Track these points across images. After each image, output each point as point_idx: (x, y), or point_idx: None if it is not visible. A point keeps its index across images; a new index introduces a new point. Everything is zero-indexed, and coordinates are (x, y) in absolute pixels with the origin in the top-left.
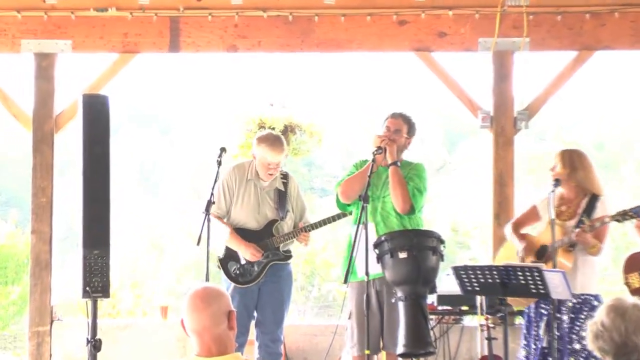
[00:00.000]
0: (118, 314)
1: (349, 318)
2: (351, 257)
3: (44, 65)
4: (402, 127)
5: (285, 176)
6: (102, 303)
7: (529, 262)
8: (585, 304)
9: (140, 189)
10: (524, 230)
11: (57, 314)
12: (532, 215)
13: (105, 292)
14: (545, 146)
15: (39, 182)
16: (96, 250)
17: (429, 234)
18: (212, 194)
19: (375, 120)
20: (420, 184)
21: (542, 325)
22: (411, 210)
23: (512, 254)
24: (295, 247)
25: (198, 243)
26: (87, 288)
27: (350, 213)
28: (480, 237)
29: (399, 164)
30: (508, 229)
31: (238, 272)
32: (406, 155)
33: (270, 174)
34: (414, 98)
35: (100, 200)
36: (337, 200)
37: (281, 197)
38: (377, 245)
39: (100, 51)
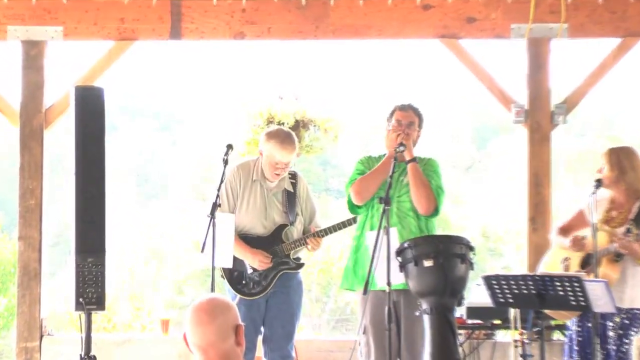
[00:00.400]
0: (114, 328)
1: (363, 333)
2: (371, 265)
3: (33, 54)
4: (414, 119)
5: (293, 176)
6: (96, 316)
7: (572, 271)
8: (634, 320)
9: (138, 190)
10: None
11: (47, 328)
12: (579, 220)
13: (100, 304)
14: (585, 143)
15: (27, 183)
16: (90, 257)
17: (457, 240)
18: (217, 195)
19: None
20: (439, 181)
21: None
22: (435, 211)
23: (558, 263)
24: (304, 254)
25: (202, 250)
26: (81, 299)
27: (355, 220)
28: (513, 243)
29: (418, 159)
30: (554, 236)
31: (244, 282)
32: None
33: (277, 174)
34: (439, 91)
35: (95, 203)
36: (349, 202)
37: (290, 200)
38: (399, 252)
39: (94, 39)
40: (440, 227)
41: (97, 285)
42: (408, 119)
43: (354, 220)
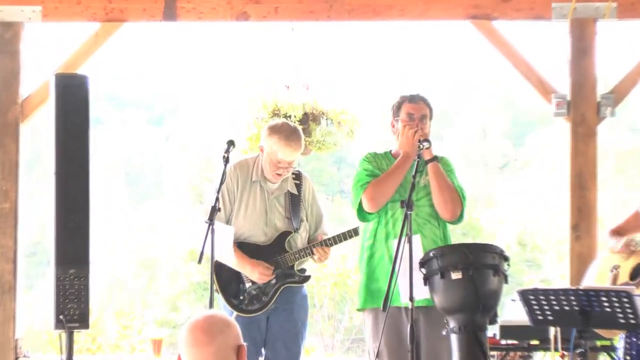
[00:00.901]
0: (99, 348)
1: (376, 357)
2: (391, 277)
3: (7, 37)
4: (426, 111)
5: (297, 176)
6: (79, 335)
7: (621, 282)
8: None
9: (128, 191)
10: None
11: (22, 350)
12: (635, 223)
13: (83, 321)
14: (636, 138)
15: (0, 184)
16: (72, 269)
17: (489, 249)
18: (217, 198)
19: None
20: (457, 181)
21: None
22: (461, 216)
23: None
24: (310, 265)
25: (200, 260)
26: (61, 317)
27: (357, 233)
28: (554, 253)
29: (438, 158)
30: (606, 239)
31: (241, 297)
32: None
33: (279, 174)
34: (469, 80)
35: (78, 207)
36: (359, 209)
37: (294, 203)
38: (423, 263)
39: (78, 20)
40: (471, 234)
41: (80, 301)
42: (420, 112)
43: (358, 230)
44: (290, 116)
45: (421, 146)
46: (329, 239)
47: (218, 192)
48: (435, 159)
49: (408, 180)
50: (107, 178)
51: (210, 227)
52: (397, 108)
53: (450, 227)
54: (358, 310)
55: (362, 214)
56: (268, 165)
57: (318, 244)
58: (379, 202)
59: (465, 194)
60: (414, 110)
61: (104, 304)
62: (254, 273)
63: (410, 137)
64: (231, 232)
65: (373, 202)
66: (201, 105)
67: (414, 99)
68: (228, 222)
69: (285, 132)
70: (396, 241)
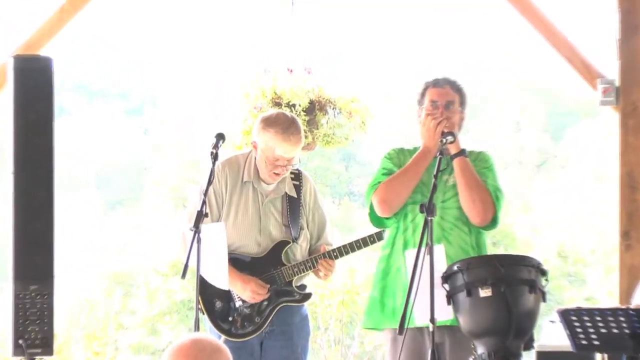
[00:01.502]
0: None
1: None
2: (409, 293)
3: None
4: (453, 97)
5: (297, 176)
6: None
7: None
8: None
9: (99, 195)
10: None
11: None
12: None
13: (46, 346)
14: None
15: None
16: (34, 285)
17: (524, 262)
18: (204, 201)
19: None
20: (497, 182)
21: None
22: (492, 221)
23: None
24: (311, 280)
25: (183, 275)
26: (21, 341)
27: (381, 236)
28: (601, 266)
29: (466, 152)
30: None
31: (230, 318)
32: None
33: (277, 174)
34: (500, 64)
35: (40, 214)
36: (372, 213)
37: (292, 208)
38: (447, 277)
39: None
40: (502, 243)
41: (43, 322)
42: (445, 98)
43: (381, 235)
44: (294, 105)
45: (443, 140)
46: (334, 250)
47: (205, 194)
48: (461, 153)
49: (431, 175)
50: (75, 179)
51: (196, 235)
52: (422, 95)
53: (487, 234)
54: (365, 328)
55: (375, 218)
56: (264, 164)
57: (320, 256)
58: (392, 205)
59: (501, 194)
60: (438, 97)
61: (71, 326)
62: (245, 291)
63: (432, 128)
64: (221, 229)
65: (384, 205)
66: (186, 93)
67: (438, 83)
68: None
69: (282, 125)
70: (414, 251)
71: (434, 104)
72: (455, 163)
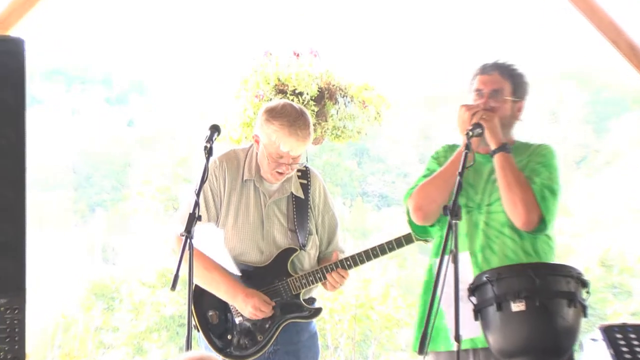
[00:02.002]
0: None
1: None
2: (430, 310)
3: None
4: (502, 84)
5: (304, 174)
6: None
7: None
8: None
9: (77, 196)
10: None
11: None
12: None
13: None
14: None
15: None
16: (3, 298)
17: (562, 271)
18: (196, 203)
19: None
20: (552, 178)
21: None
22: (540, 224)
23: None
24: (320, 292)
25: (173, 286)
26: None
27: (426, 240)
28: None
29: (509, 147)
30: None
31: (229, 336)
32: (519, 133)
33: (280, 173)
34: (535, 49)
35: (10, 217)
36: (410, 221)
37: (299, 210)
38: (474, 289)
39: None
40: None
41: (14, 340)
42: (491, 86)
43: (401, 241)
44: (301, 93)
45: (470, 133)
46: (347, 258)
47: (198, 194)
48: (502, 148)
49: (484, 178)
50: (50, 177)
51: (188, 241)
52: (471, 84)
53: (550, 239)
54: (413, 351)
55: (416, 227)
56: (266, 161)
57: (332, 266)
58: (427, 212)
59: (550, 193)
60: (483, 85)
61: (46, 344)
62: (246, 306)
63: (466, 120)
64: (219, 233)
65: (419, 212)
66: (177, 79)
67: (485, 69)
68: None
69: (289, 117)
70: (434, 262)
71: (479, 92)
72: (495, 160)
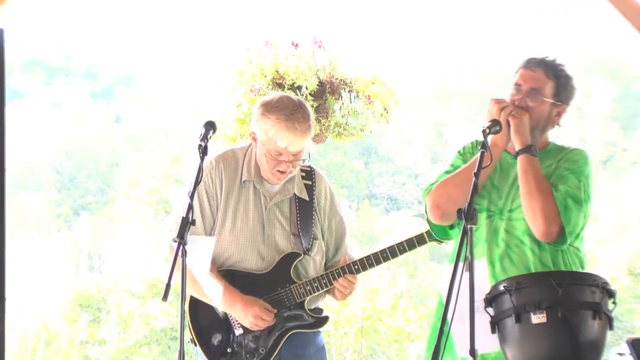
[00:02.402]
0: None
1: None
2: (443, 320)
3: None
4: (543, 83)
5: (309, 174)
6: None
7: None
8: None
9: (60, 198)
10: None
11: None
12: None
13: None
14: None
15: None
16: None
17: (587, 280)
18: (190, 206)
19: (496, 77)
20: (579, 187)
21: None
22: (560, 236)
23: None
24: (327, 301)
25: (165, 296)
26: None
27: (440, 241)
28: None
29: (535, 151)
30: None
31: (229, 350)
32: (556, 136)
33: (281, 172)
34: (556, 35)
35: None
36: (428, 220)
37: (303, 213)
38: (492, 299)
39: None
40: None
41: None
42: (531, 83)
43: (413, 243)
44: (299, 87)
45: (487, 130)
46: (354, 262)
47: (192, 197)
48: (527, 150)
49: (509, 181)
50: (31, 179)
51: (181, 247)
52: (514, 74)
53: (571, 252)
54: None
55: (436, 228)
56: (265, 160)
57: (339, 271)
58: (445, 211)
59: (574, 204)
60: (524, 80)
61: (27, 358)
62: (246, 316)
63: (495, 115)
64: (210, 246)
65: (437, 211)
66: (168, 72)
67: (529, 64)
68: None
69: (286, 110)
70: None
71: (517, 88)
72: (518, 162)
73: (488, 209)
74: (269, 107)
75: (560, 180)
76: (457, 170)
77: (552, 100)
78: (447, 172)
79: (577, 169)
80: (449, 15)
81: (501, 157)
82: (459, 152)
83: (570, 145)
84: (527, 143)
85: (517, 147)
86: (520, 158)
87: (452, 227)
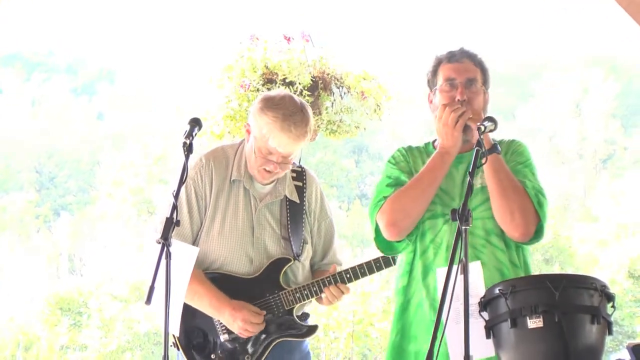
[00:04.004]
0: None
1: None
2: (437, 326)
3: None
4: (475, 73)
5: (299, 175)
6: None
7: None
8: None
9: (40, 197)
10: None
11: None
12: None
13: None
14: None
15: None
16: None
17: (585, 283)
18: (174, 206)
19: (493, 75)
20: (537, 179)
21: None
22: (538, 233)
23: None
24: (314, 307)
25: (148, 299)
26: None
27: (392, 261)
28: None
29: (499, 148)
30: None
31: (214, 356)
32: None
33: (268, 172)
34: (554, 28)
35: None
36: (377, 237)
37: (294, 216)
38: (486, 303)
39: None
40: (558, 260)
41: None
42: (464, 74)
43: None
44: (292, 83)
45: (482, 128)
46: (346, 270)
47: (176, 197)
48: (494, 149)
49: (457, 182)
50: (10, 177)
51: (165, 248)
52: (433, 74)
53: (530, 248)
54: None
55: (382, 243)
56: (254, 156)
57: (329, 279)
58: (402, 227)
59: (544, 198)
60: (456, 73)
61: None
62: (235, 321)
63: (451, 123)
64: (193, 256)
65: (393, 228)
66: (152, 67)
67: (454, 57)
68: (195, 242)
69: (285, 110)
70: (441, 272)
71: (451, 82)
72: (487, 163)
73: (443, 213)
74: (269, 104)
75: (520, 176)
76: (410, 183)
77: (484, 88)
78: (388, 185)
79: (527, 161)
80: (445, 13)
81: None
82: (390, 162)
83: (500, 138)
84: (491, 142)
85: (484, 147)
86: (490, 158)
87: (399, 242)
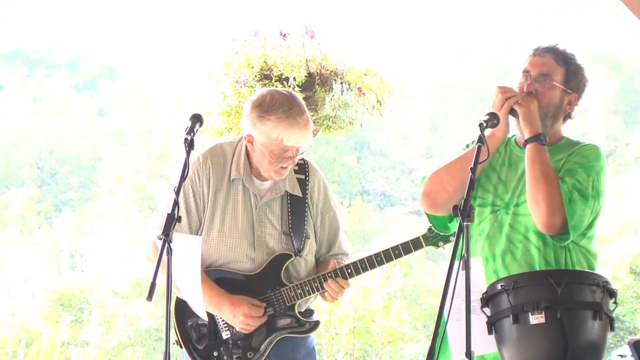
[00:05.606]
0: None
1: None
2: (438, 321)
3: None
4: (553, 69)
5: (302, 168)
6: None
7: None
8: None
9: (41, 193)
10: None
11: None
12: None
13: None
14: None
15: None
16: None
17: (587, 279)
18: (175, 202)
19: (496, 72)
20: (587, 181)
21: None
22: (562, 229)
23: None
24: (317, 303)
25: (149, 296)
26: None
27: (437, 245)
28: None
29: (544, 139)
30: None
31: (215, 353)
32: (570, 131)
33: (285, 167)
34: (555, 24)
35: None
36: (429, 215)
37: (296, 211)
38: (488, 299)
39: None
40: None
41: None
42: (540, 69)
43: (408, 247)
44: (287, 79)
45: (483, 123)
46: (347, 265)
47: (178, 193)
48: (536, 138)
49: (518, 175)
50: (11, 173)
51: (167, 245)
52: (524, 62)
53: (577, 250)
54: None
55: (434, 220)
56: (267, 161)
57: (331, 274)
58: (436, 199)
59: (580, 199)
60: (532, 66)
61: None
62: (236, 316)
63: (498, 105)
64: (197, 245)
65: (427, 198)
66: (153, 63)
67: (538, 51)
68: None
69: (282, 107)
70: (475, 262)
71: (525, 74)
72: (526, 151)
73: (493, 203)
74: (265, 109)
75: (569, 173)
76: (455, 158)
77: (562, 87)
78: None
79: (587, 164)
80: (448, 10)
81: (510, 150)
82: (467, 145)
83: (584, 141)
84: (536, 131)
85: (526, 135)
86: (528, 147)
87: (451, 219)
